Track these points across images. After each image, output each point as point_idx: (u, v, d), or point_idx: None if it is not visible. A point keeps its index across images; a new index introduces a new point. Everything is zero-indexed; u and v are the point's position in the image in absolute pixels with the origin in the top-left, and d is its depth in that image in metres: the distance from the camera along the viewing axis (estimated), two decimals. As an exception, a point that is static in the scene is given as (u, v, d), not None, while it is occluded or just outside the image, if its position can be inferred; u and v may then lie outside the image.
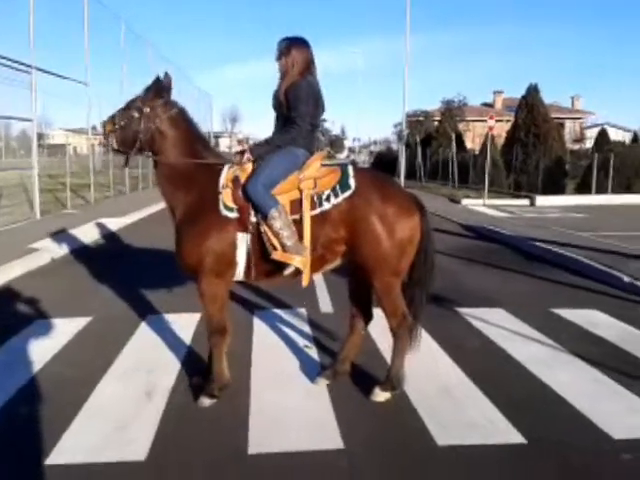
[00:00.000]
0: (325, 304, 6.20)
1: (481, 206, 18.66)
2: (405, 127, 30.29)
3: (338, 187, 3.67)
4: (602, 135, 33.50)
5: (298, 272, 3.76)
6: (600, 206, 18.47)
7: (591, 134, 42.29)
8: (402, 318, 3.89)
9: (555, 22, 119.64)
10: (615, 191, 21.61)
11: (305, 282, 3.80)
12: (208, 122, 38.63)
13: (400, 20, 26.99)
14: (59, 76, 14.15)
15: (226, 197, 3.66)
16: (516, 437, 3.42)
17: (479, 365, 4.51)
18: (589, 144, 36.56)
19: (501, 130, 32.30)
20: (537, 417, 3.69)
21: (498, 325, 5.52)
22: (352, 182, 3.69)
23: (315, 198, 3.67)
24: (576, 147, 37.63)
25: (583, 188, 22.57)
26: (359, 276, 3.96)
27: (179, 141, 3.80)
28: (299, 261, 3.66)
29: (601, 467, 3.15)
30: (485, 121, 21.55)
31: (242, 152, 3.79)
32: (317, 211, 3.67)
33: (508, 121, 30.19)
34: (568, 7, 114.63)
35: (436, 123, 33.40)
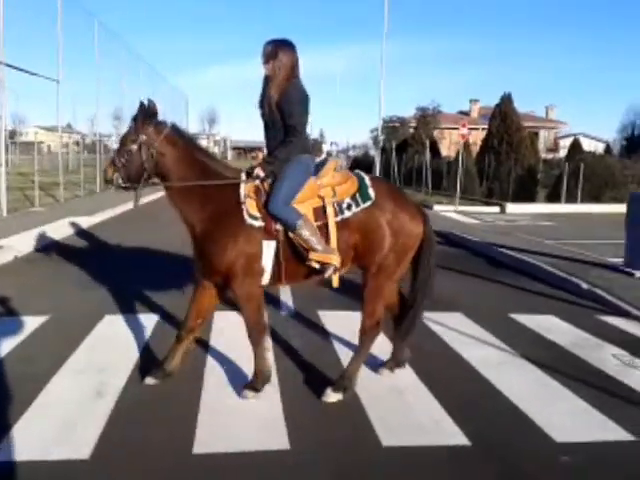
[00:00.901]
0: (286, 306, 6.23)
1: (452, 212, 18.85)
2: (381, 133, 30.47)
3: (359, 197, 3.87)
4: (575, 145, 34.08)
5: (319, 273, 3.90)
6: (569, 215, 18.79)
7: (565, 144, 43.00)
8: (375, 324, 4.07)
9: (533, 33, 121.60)
10: (585, 200, 21.99)
11: (336, 283, 3.96)
12: (184, 123, 38.45)
13: (380, 26, 27.14)
14: (29, 72, 13.99)
15: (250, 207, 3.77)
16: (461, 439, 3.47)
17: (432, 368, 4.58)
18: (563, 153, 37.14)
19: (476, 138, 32.70)
20: (483, 419, 3.76)
21: (456, 329, 5.60)
22: (372, 193, 3.90)
23: (336, 205, 3.84)
24: (550, 156, 38.20)
25: (553, 197, 22.96)
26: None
27: (182, 157, 3.85)
28: (337, 259, 3.81)
29: (539, 469, 3.22)
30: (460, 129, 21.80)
31: (252, 168, 3.88)
32: (338, 218, 3.85)
33: (483, 129, 30.53)
34: (545, 19, 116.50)
35: (412, 130, 33.67)
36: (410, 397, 4.03)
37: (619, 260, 8.58)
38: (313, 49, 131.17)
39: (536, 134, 39.31)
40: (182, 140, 3.91)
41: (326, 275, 3.90)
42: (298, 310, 6.08)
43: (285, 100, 3.76)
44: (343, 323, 5.63)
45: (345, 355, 4.79)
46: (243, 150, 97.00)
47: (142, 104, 3.83)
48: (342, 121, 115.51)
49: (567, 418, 3.80)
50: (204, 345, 4.92)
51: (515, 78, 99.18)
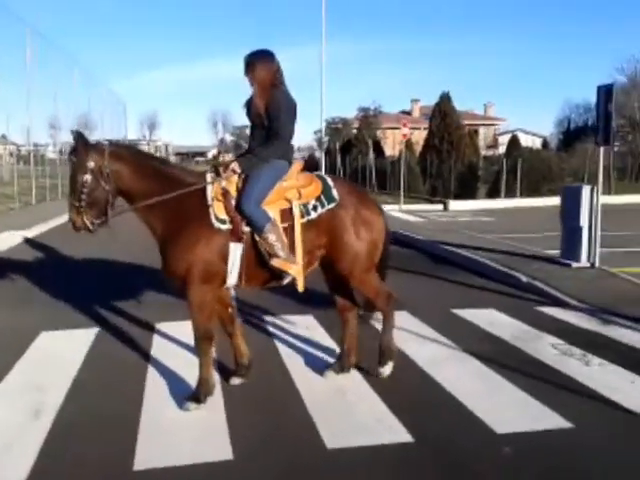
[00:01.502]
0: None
1: (397, 211, 19.11)
2: (324, 134, 30.62)
3: (323, 198, 4.01)
4: (513, 141, 35.11)
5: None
6: (509, 209, 19.32)
7: (504, 140, 44.21)
8: (387, 297, 4.36)
9: (470, 31, 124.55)
10: (524, 194, 22.66)
11: (301, 288, 4.03)
12: (122, 129, 37.63)
13: (318, 28, 27.23)
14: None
15: (218, 209, 3.80)
16: (404, 436, 3.49)
17: (374, 365, 4.59)
18: (502, 150, 38.17)
19: (419, 137, 33.28)
20: (426, 415, 3.80)
21: (400, 327, 5.60)
22: (335, 194, 4.05)
23: (302, 207, 3.95)
24: (490, 153, 39.20)
25: (494, 192, 23.57)
26: (335, 273, 4.26)
27: (136, 169, 3.84)
28: (295, 270, 3.94)
29: (482, 462, 3.26)
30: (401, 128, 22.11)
31: (227, 165, 3.93)
32: (305, 219, 3.96)
33: (425, 128, 31.11)
34: (480, 17, 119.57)
35: (355, 130, 33.97)
36: (354, 397, 4.03)
37: (556, 252, 8.86)
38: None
39: (476, 131, 40.31)
40: (128, 152, 3.94)
41: (284, 282, 4.02)
42: (242, 316, 6.00)
43: (272, 106, 3.89)
44: (287, 327, 5.61)
45: (290, 359, 4.77)
46: (186, 155, 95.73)
47: (78, 133, 3.82)
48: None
49: (508, 409, 3.87)
50: (144, 357, 4.81)
51: (454, 77, 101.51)
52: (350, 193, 4.15)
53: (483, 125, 50.84)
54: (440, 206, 20.48)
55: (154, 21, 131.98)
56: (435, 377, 4.40)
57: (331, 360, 4.68)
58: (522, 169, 23.40)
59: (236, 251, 3.83)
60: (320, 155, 28.90)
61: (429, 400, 4.05)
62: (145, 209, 3.88)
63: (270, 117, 3.89)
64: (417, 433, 3.51)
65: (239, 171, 3.89)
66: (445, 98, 27.02)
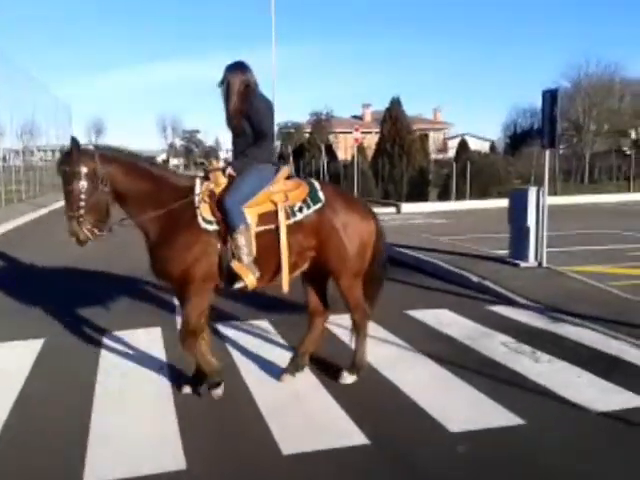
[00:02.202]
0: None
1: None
2: (277, 138, 30.57)
3: (309, 199, 4.10)
4: (462, 145, 35.89)
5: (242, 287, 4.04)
6: (459, 211, 19.64)
7: (453, 144, 45.09)
8: (363, 312, 4.45)
9: (418, 37, 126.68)
10: (473, 197, 23.11)
11: (285, 287, 4.12)
12: (67, 135, 36.53)
13: (271, 31, 27.16)
14: None
15: (204, 211, 3.89)
16: (360, 439, 3.49)
17: (332, 370, 4.58)
18: (452, 153, 38.92)
19: (371, 142, 33.58)
20: (382, 417, 3.81)
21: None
22: (321, 195, 4.14)
23: (288, 209, 4.03)
24: (440, 156, 39.88)
25: (444, 195, 23.97)
26: (315, 276, 4.42)
27: (129, 170, 3.89)
28: (251, 280, 3.96)
29: (436, 461, 3.30)
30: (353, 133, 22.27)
31: (223, 169, 4.03)
32: (291, 221, 4.04)
33: (377, 133, 31.39)
34: (431, 23, 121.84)
35: (307, 135, 34.05)
36: (310, 402, 4.01)
37: (506, 252, 9.05)
38: (204, 56, 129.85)
39: (426, 136, 40.91)
40: (118, 154, 3.99)
41: (234, 287, 4.03)
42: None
43: (251, 109, 4.05)
44: (242, 333, 5.55)
45: (244, 365, 4.71)
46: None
47: (74, 140, 3.79)
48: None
49: (461, 408, 3.92)
50: (93, 367, 4.67)
51: (403, 82, 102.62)
52: (337, 195, 4.28)
53: (433, 130, 51.70)
54: (393, 209, 20.65)
55: (100, 24, 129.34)
56: (389, 378, 4.43)
57: (282, 368, 4.64)
58: (471, 172, 23.87)
59: (225, 252, 3.91)
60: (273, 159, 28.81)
61: (384, 401, 4.07)
62: (134, 207, 3.93)
63: (253, 122, 4.05)
64: (373, 435, 3.52)
65: (234, 173, 4.00)
66: (395, 103, 27.35)
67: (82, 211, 3.74)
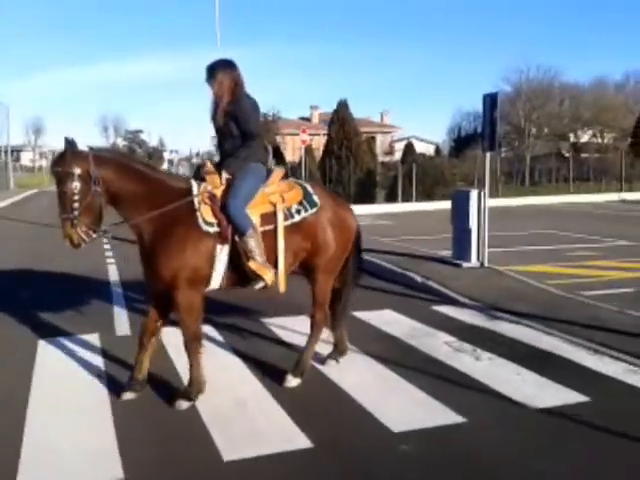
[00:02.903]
0: (121, 326, 5.87)
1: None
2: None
3: (305, 202, 4.24)
4: (408, 148, 36.33)
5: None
6: (406, 213, 19.92)
7: (400, 147, 45.71)
8: (325, 312, 4.59)
9: (364, 40, 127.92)
10: (419, 199, 23.49)
11: (282, 288, 4.25)
12: (4, 135, 35.34)
13: (215, 33, 26.87)
14: None
15: (205, 213, 3.90)
16: (304, 442, 3.46)
17: (277, 374, 4.54)
18: (398, 156, 39.43)
19: (319, 143, 33.65)
20: (325, 419, 3.80)
21: (301, 332, 5.60)
22: (317, 199, 4.30)
23: (286, 211, 4.14)
24: (387, 159, 40.36)
25: (391, 197, 24.28)
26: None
27: (122, 172, 3.84)
28: (269, 277, 4.09)
29: (380, 462, 3.30)
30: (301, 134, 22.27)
31: (219, 172, 4.06)
32: (288, 222, 4.14)
33: (325, 135, 31.46)
34: (377, 27, 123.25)
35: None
36: (253, 406, 3.96)
37: (449, 253, 9.21)
38: (147, 55, 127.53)
39: (373, 138, 41.35)
40: (111, 155, 3.99)
41: (256, 287, 4.14)
42: (136, 328, 5.75)
43: (238, 110, 4.04)
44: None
45: (185, 371, 4.59)
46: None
47: (70, 140, 3.74)
48: (184, 128, 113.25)
49: (405, 408, 3.95)
50: (26, 377, 4.48)
51: (351, 85, 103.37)
52: (327, 197, 4.47)
53: (380, 132, 52.31)
54: (340, 211, 20.77)
55: (38, 21, 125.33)
56: (334, 379, 4.42)
57: (231, 371, 4.58)
58: (417, 175, 24.27)
59: (222, 253, 3.95)
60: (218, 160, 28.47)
61: (328, 404, 4.06)
62: (129, 210, 3.90)
63: (240, 122, 4.06)
64: (316, 438, 3.50)
65: (229, 176, 4.03)
66: (342, 105, 27.50)
67: (76, 212, 3.69)
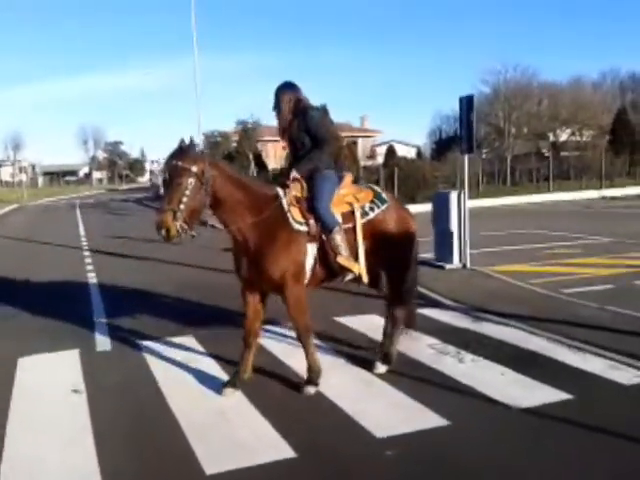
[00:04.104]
0: (103, 342, 5.77)
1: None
2: (204, 148, 30.11)
3: (377, 200, 4.63)
4: (390, 151, 36.51)
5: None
6: (389, 216, 19.93)
7: (381, 151, 45.84)
8: (408, 302, 4.96)
9: (345, 45, 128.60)
10: (401, 201, 23.48)
11: (365, 279, 4.58)
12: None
13: (200, 39, 26.88)
14: None
15: (295, 214, 4.25)
16: (286, 452, 3.42)
17: (259, 383, 4.50)
18: (380, 160, 39.53)
19: (300, 149, 33.56)
20: (309, 427, 3.76)
21: (285, 341, 5.59)
22: (385, 197, 4.74)
23: (360, 209, 4.51)
24: (369, 163, 40.39)
25: (374, 201, 24.25)
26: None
27: (227, 179, 4.11)
28: (357, 267, 4.45)
29: (365, 468, 3.27)
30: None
31: (287, 174, 4.40)
32: (365, 219, 4.52)
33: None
34: (356, 32, 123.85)
35: (235, 144, 33.65)
36: (234, 417, 3.91)
37: (431, 255, 9.21)
38: (125, 67, 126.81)
39: (355, 143, 41.38)
40: (221, 163, 4.33)
41: (346, 279, 4.62)
42: (117, 343, 5.68)
43: (308, 122, 4.41)
44: (165, 350, 5.36)
45: (166, 382, 4.55)
46: (55, 175, 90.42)
47: (191, 141, 4.12)
48: (165, 138, 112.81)
49: (389, 413, 3.92)
50: (5, 393, 4.40)
51: (331, 89, 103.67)
52: (393, 197, 4.96)
53: (361, 137, 52.38)
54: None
55: (16, 35, 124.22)
56: (319, 387, 4.37)
57: (213, 381, 4.53)
58: (399, 178, 24.32)
59: (312, 250, 4.29)
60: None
61: (311, 411, 4.02)
62: (230, 215, 4.17)
63: (310, 131, 4.42)
64: (300, 447, 3.46)
65: (298, 176, 4.34)
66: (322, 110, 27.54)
67: (182, 206, 3.88)
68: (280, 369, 4.83)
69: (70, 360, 5.20)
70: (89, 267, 10.36)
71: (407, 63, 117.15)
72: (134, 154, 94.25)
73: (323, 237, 4.31)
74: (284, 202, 4.26)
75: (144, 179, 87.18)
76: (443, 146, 49.88)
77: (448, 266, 8.55)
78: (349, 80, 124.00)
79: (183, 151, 4.09)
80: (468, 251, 8.57)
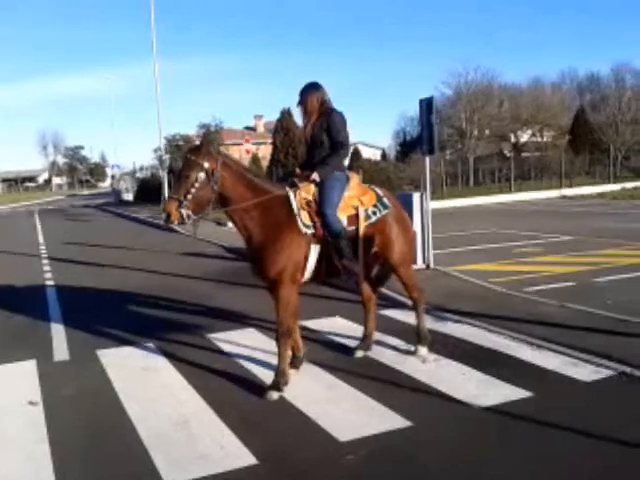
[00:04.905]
0: (61, 351, 5.62)
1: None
2: (165, 152, 29.76)
3: (379, 205, 4.83)
4: (355, 153, 36.49)
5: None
6: (354, 218, 19.98)
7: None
8: (420, 289, 5.27)
9: (307, 48, 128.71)
10: (367, 203, 23.58)
11: (363, 279, 4.95)
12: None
13: (160, 44, 26.60)
14: None
15: (305, 217, 4.43)
16: (248, 458, 3.38)
17: (222, 390, 4.45)
18: (346, 162, 39.59)
19: (266, 152, 33.48)
20: (269, 433, 3.72)
21: (247, 346, 5.53)
22: (387, 202, 4.92)
23: (364, 213, 4.68)
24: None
25: (339, 203, 24.32)
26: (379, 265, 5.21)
27: (238, 179, 4.34)
28: (358, 268, 4.68)
29: (327, 473, 3.25)
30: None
31: (307, 176, 4.55)
32: (367, 222, 4.70)
33: (271, 144, 31.36)
34: (319, 36, 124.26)
35: (198, 147, 33.24)
36: (195, 425, 3.84)
37: (395, 256, 9.23)
38: (84, 71, 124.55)
39: (320, 145, 41.41)
40: (233, 163, 4.49)
41: (351, 279, 4.90)
42: (76, 351, 5.54)
43: (330, 122, 4.62)
44: (125, 359, 5.24)
45: (124, 391, 4.45)
46: (14, 182, 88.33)
47: (209, 138, 4.20)
48: (127, 142, 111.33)
49: (351, 416, 3.90)
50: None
51: (294, 91, 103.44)
52: (392, 200, 5.07)
53: (326, 139, 52.49)
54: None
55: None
56: (281, 392, 4.33)
57: (174, 389, 4.45)
58: (364, 179, 24.30)
59: (315, 251, 4.48)
60: (162, 174, 28.01)
61: (273, 416, 3.98)
62: (240, 214, 4.37)
63: (332, 133, 4.62)
64: (261, 453, 3.42)
65: (319, 180, 4.51)
66: (286, 114, 27.45)
67: (189, 196, 4.15)
68: (242, 374, 4.77)
69: (27, 370, 5.06)
70: (47, 275, 10.12)
71: (371, 65, 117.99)
72: (95, 159, 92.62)
73: (328, 240, 4.50)
74: (294, 204, 4.44)
75: (105, 184, 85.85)
76: (408, 148, 50.28)
77: (412, 267, 8.58)
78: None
79: (199, 147, 4.32)
80: (432, 252, 8.63)
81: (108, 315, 6.82)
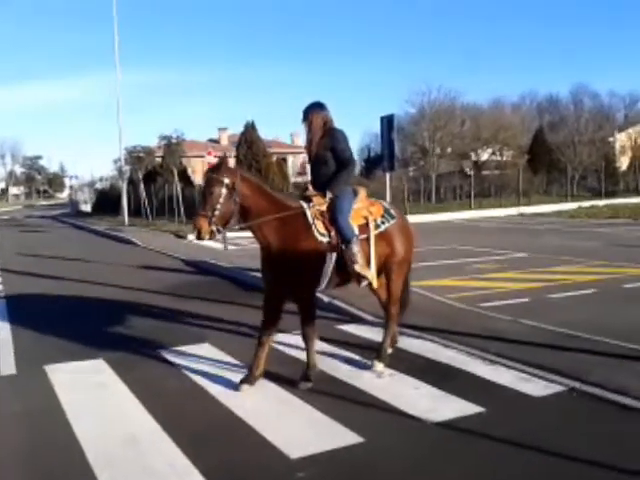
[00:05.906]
0: (7, 364, 5.44)
1: (207, 240, 18.72)
2: (125, 163, 29.34)
3: (387, 215, 5.15)
4: (319, 168, 36.58)
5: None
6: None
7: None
8: (399, 305, 5.41)
9: (273, 63, 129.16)
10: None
11: (375, 284, 5.08)
12: None
13: (122, 55, 26.36)
14: None
15: (320, 227, 4.74)
16: (197, 477, 3.30)
17: (173, 407, 4.36)
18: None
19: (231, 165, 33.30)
20: (219, 451, 3.65)
21: (201, 361, 5.44)
22: (394, 212, 5.27)
23: (373, 222, 4.99)
24: (299, 179, 40.52)
25: (303, 217, 24.30)
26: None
27: (256, 193, 4.62)
28: (371, 274, 4.92)
29: (276, 491, 3.19)
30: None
31: (321, 196, 4.84)
32: (377, 231, 5.01)
33: (236, 156, 31.25)
34: (280, 50, 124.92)
35: (159, 159, 32.91)
36: (144, 444, 3.73)
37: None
38: (43, 80, 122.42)
39: (284, 159, 41.49)
40: (251, 176, 4.84)
41: (362, 285, 5.05)
42: (23, 366, 5.36)
43: (335, 142, 4.92)
44: (72, 375, 5.08)
45: (71, 409, 4.31)
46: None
47: (225, 157, 4.96)
48: (85, 153, 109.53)
49: (302, 432, 3.86)
50: None
51: (260, 106, 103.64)
52: (397, 211, 5.40)
53: (291, 153, 52.61)
54: (250, 233, 20.51)
55: None
56: (233, 409, 4.27)
57: (123, 406, 4.32)
58: (327, 194, 24.50)
59: (331, 259, 4.73)
60: (122, 185, 27.57)
61: (224, 433, 3.91)
62: (260, 225, 4.64)
63: (337, 151, 4.90)
64: (210, 473, 3.34)
65: (333, 195, 4.82)
66: (250, 127, 27.38)
67: (217, 212, 4.42)
68: (194, 391, 4.68)
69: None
70: (-3, 287, 9.81)
71: (335, 81, 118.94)
72: (54, 169, 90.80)
73: (342, 247, 4.74)
74: (309, 215, 4.71)
75: (63, 195, 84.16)
76: (372, 164, 50.63)
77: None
78: (279, 96, 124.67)
79: (219, 165, 4.61)
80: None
81: (59, 328, 6.62)
